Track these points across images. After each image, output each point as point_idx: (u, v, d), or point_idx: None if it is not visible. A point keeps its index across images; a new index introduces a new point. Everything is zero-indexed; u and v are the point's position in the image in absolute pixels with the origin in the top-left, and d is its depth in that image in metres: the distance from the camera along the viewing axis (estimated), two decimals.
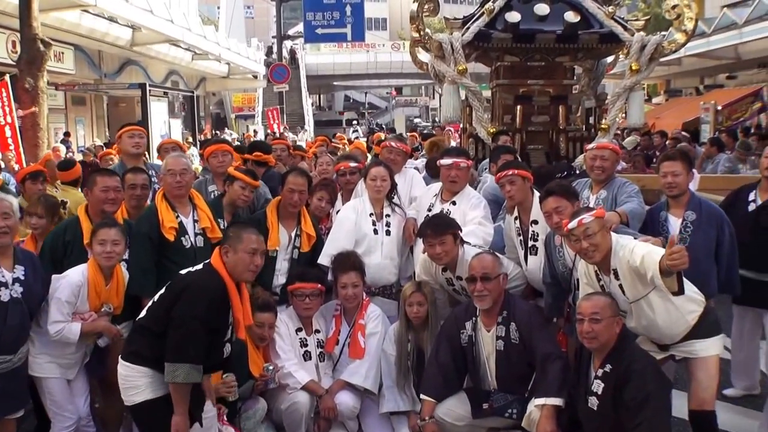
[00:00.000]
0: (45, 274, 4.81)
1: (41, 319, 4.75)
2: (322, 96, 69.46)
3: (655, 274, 3.91)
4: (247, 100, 39.58)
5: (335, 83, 61.33)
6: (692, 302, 4.32)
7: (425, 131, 23.18)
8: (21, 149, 11.70)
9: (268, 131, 28.21)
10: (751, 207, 5.74)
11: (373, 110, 73.82)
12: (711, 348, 4.40)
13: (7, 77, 12.43)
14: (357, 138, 25.36)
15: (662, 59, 8.84)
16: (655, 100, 34.05)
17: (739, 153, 11.81)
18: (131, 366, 4.18)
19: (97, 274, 4.84)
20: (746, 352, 6.15)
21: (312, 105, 51.20)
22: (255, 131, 31.39)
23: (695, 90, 28.92)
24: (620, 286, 4.30)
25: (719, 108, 21.63)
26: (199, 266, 4.33)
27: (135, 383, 4.17)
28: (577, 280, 4.86)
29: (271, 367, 5.06)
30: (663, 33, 8.57)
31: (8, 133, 11.84)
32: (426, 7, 8.55)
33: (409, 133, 20.34)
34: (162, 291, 4.33)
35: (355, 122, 53.83)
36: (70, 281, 4.76)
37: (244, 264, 4.20)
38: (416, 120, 58.38)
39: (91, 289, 4.82)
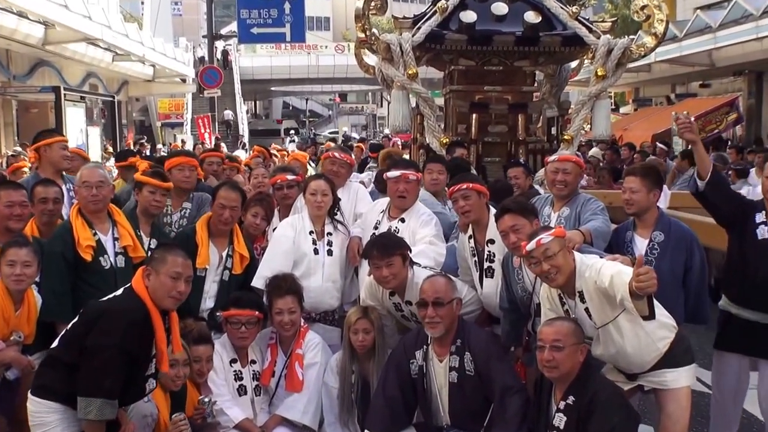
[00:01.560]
0: None
1: None
2: (258, 103, 69.24)
3: (624, 296, 3.89)
4: (175, 107, 39.36)
5: (273, 88, 60.96)
6: (664, 328, 4.36)
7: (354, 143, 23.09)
8: None
9: (198, 141, 27.99)
10: (762, 233, 5.22)
11: (315, 118, 73.73)
12: (683, 378, 4.42)
13: None
14: (294, 150, 25.36)
15: (630, 65, 8.96)
16: (622, 110, 34.57)
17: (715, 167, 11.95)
18: (41, 401, 4.10)
19: (5, 299, 4.76)
20: (731, 407, 5.51)
21: (247, 113, 50.94)
22: (183, 141, 31.17)
23: (666, 99, 29.45)
24: (586, 309, 4.30)
25: (692, 119, 21.98)
26: (119, 291, 4.27)
27: (45, 420, 4.08)
28: (538, 305, 4.88)
29: (206, 399, 4.95)
30: (632, 36, 8.69)
31: None
32: (373, 4, 8.47)
33: (356, 144, 20.33)
34: (76, 318, 4.27)
35: (292, 132, 53.62)
36: None
37: (165, 289, 4.11)
38: (349, 132, 57.96)
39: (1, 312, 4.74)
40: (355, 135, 51.41)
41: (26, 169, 9.53)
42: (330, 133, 55.00)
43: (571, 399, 4.10)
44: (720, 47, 20.87)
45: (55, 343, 4.33)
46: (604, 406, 4.01)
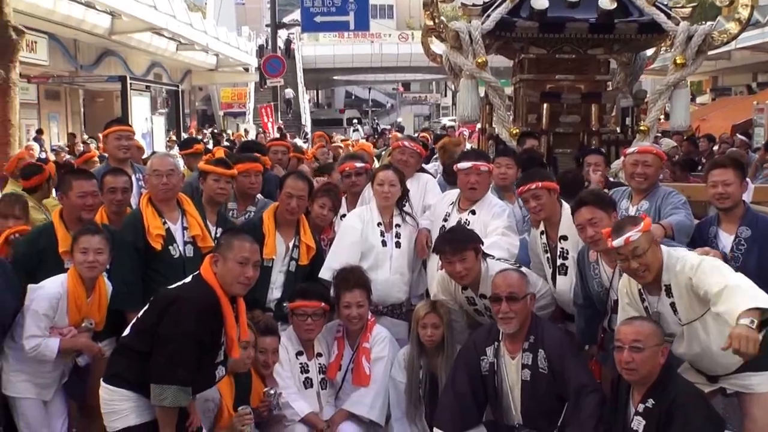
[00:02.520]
0: (18, 284, 4.79)
1: (16, 333, 4.74)
2: (320, 92, 69.53)
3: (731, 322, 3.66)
4: (238, 96, 39.62)
5: (335, 78, 61.14)
6: None
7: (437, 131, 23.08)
8: None
9: (261, 130, 28.14)
10: None
11: (378, 108, 73.70)
12: None
13: None
14: (358, 140, 25.36)
15: (712, 52, 8.74)
16: (699, 100, 33.71)
17: None
18: (114, 389, 4.14)
19: (77, 286, 4.82)
20: None
21: (309, 102, 51.14)
22: (246, 130, 31.35)
23: (747, 88, 28.84)
24: (672, 304, 4.18)
25: None
26: (188, 279, 4.30)
27: (118, 408, 4.13)
28: (615, 301, 4.79)
29: (272, 391, 4.95)
30: (711, 22, 8.46)
31: None
32: None
33: (420, 134, 20.23)
34: (147, 306, 4.30)
35: (356, 121, 53.60)
36: (48, 292, 4.75)
37: (233, 275, 4.13)
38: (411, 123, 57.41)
39: (71, 301, 4.80)
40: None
41: (96, 159, 9.67)
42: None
43: (650, 402, 4.00)
44: None
45: (126, 332, 4.36)
46: (686, 410, 3.90)
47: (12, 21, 12.17)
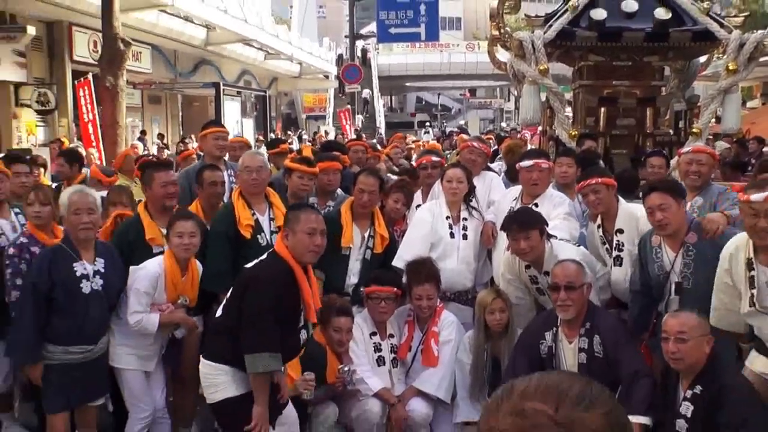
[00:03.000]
0: (122, 266, 4.94)
1: (121, 311, 4.87)
2: (393, 97, 69.54)
3: None
4: (318, 101, 39.92)
5: (407, 84, 60.98)
6: None
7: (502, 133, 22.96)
8: (101, 146, 12.05)
9: (340, 132, 28.33)
10: None
11: (446, 112, 73.48)
12: None
13: (90, 76, 12.77)
14: (428, 141, 25.37)
15: (762, 59, 8.55)
16: (749, 104, 32.85)
17: None
18: (211, 364, 4.23)
19: (173, 266, 4.95)
20: None
21: (384, 106, 51.21)
22: (326, 132, 31.61)
23: None
24: None
25: None
26: (264, 256, 4.36)
27: (216, 381, 4.22)
28: (676, 283, 4.71)
29: (346, 368, 5.01)
30: (763, 31, 8.25)
31: (91, 129, 12.22)
32: (507, 3, 8.43)
33: (486, 136, 20.18)
34: (233, 287, 4.36)
35: (427, 124, 53.68)
36: (148, 272, 4.86)
37: (303, 245, 4.16)
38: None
39: (168, 280, 4.93)
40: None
41: (194, 156, 9.83)
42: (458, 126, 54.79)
43: (698, 388, 3.88)
44: None
45: (218, 312, 4.42)
46: (735, 397, 3.78)
47: (120, 34, 12.42)
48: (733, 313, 4.16)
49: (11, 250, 5.16)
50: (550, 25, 8.37)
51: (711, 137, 8.37)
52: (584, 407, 1.21)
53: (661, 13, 8.15)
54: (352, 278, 5.77)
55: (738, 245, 4.10)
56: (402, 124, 52.53)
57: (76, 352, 4.61)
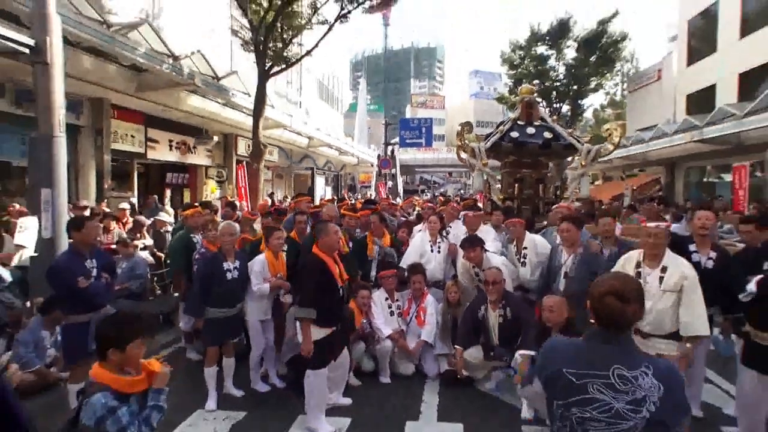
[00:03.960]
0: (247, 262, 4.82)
1: (248, 285, 4.73)
2: (407, 176, 69.56)
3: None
4: (368, 178, 39.98)
5: (416, 170, 61.22)
6: None
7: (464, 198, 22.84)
8: (248, 201, 12.19)
9: (377, 196, 28.35)
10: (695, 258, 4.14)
11: (436, 184, 73.20)
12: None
13: (243, 164, 12.97)
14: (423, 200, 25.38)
15: (600, 159, 8.47)
16: (596, 183, 32.58)
17: (645, 212, 11.02)
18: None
19: (271, 257, 4.86)
20: (752, 415, 3.64)
21: (402, 181, 51.28)
22: (370, 195, 31.67)
23: (620, 177, 27.53)
24: (661, 278, 3.60)
25: (634, 188, 20.62)
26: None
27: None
28: (563, 272, 4.65)
29: (364, 321, 4.94)
30: (600, 144, 8.19)
31: (243, 192, 12.35)
32: (465, 129, 8.48)
33: (454, 197, 20.14)
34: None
35: (424, 189, 54.07)
36: (260, 261, 4.80)
37: (330, 243, 4.03)
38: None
39: (270, 264, 4.83)
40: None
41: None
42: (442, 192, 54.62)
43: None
44: (650, 150, 19.60)
45: None
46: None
47: (261, 140, 12.58)
48: None
49: (197, 256, 5.20)
50: (488, 140, 8.37)
51: (575, 200, 8.23)
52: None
53: (547, 134, 8.13)
54: (373, 271, 5.72)
55: (631, 255, 3.82)
56: (411, 191, 52.59)
57: (224, 312, 4.53)
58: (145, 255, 7.37)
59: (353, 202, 19.94)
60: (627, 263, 3.77)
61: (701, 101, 20.85)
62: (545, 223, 7.45)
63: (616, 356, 1.81)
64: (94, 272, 4.05)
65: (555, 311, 3.80)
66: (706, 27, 20.82)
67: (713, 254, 4.18)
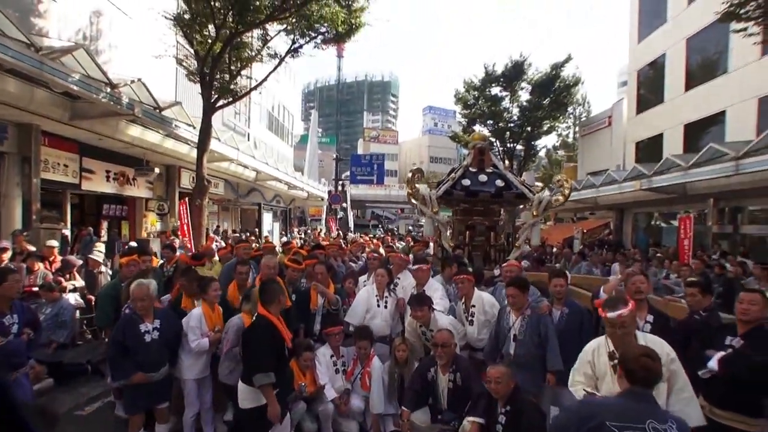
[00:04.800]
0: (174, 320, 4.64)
1: (184, 341, 4.63)
2: (358, 211, 69.69)
3: None
4: (318, 212, 39.89)
5: (367, 204, 61.50)
6: None
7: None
8: (191, 238, 11.95)
9: (328, 231, 28.25)
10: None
11: (387, 219, 73.71)
12: None
13: (186, 200, 12.76)
14: (377, 235, 25.34)
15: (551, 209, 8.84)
16: (548, 223, 33.79)
17: (594, 260, 11.51)
18: (243, 385, 4.11)
19: (208, 310, 4.78)
20: None
21: (353, 216, 51.33)
22: (320, 230, 31.51)
23: (571, 219, 28.76)
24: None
25: (585, 231, 21.52)
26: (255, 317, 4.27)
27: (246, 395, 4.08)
28: (514, 335, 4.71)
29: (303, 384, 4.84)
30: (549, 194, 8.56)
31: (185, 229, 12.11)
32: (416, 176, 8.68)
33: (406, 237, 20.34)
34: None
35: (376, 224, 54.20)
36: (195, 315, 4.72)
37: (278, 305, 4.10)
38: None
39: (207, 318, 4.74)
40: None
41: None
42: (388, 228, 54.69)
43: (508, 407, 3.88)
44: (600, 195, 20.52)
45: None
46: (530, 412, 3.79)
47: (205, 174, 12.41)
48: (581, 385, 3.50)
49: (126, 310, 4.91)
50: (440, 187, 8.59)
51: (526, 245, 8.51)
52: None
53: (499, 183, 8.43)
54: (317, 326, 5.63)
55: (599, 343, 3.48)
56: (363, 225, 52.64)
57: (147, 376, 4.29)
58: (75, 298, 7.06)
59: (301, 240, 19.84)
60: (596, 356, 3.45)
61: (649, 149, 22.23)
62: (497, 273, 7.67)
63: (650, 411, 2.32)
64: (15, 328, 3.87)
65: (501, 383, 3.85)
66: (655, 78, 22.40)
67: (650, 317, 4.24)
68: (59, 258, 7.91)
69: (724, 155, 13.14)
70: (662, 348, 3.24)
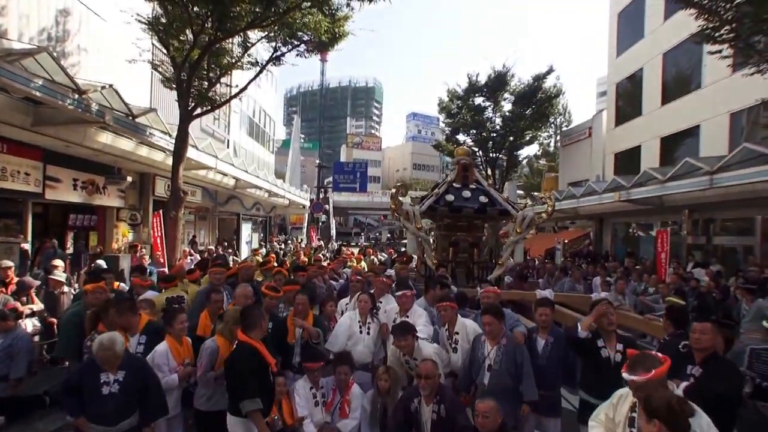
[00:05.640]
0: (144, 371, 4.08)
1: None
2: (341, 218, 69.46)
3: None
4: (299, 219, 39.50)
5: (349, 212, 61.27)
6: None
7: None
8: (165, 252, 11.51)
9: (309, 242, 27.87)
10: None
11: (370, 226, 73.55)
12: None
13: (160, 212, 12.30)
14: (359, 243, 24.98)
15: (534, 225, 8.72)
16: (530, 233, 33.83)
17: (576, 276, 11.36)
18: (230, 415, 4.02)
19: (174, 343, 4.51)
20: None
21: (335, 223, 51.11)
22: (302, 239, 31.07)
23: (553, 229, 28.82)
24: None
25: (566, 241, 21.55)
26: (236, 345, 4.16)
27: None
28: (488, 365, 4.55)
29: (276, 417, 4.47)
30: (531, 212, 8.43)
31: (158, 242, 11.66)
32: (400, 191, 8.48)
33: (387, 249, 20.11)
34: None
35: (359, 232, 53.98)
36: (161, 351, 4.43)
37: (260, 331, 4.07)
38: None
39: (174, 351, 4.49)
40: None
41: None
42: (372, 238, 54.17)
43: None
44: (581, 206, 20.64)
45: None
46: None
47: (181, 185, 11.99)
48: (600, 427, 3.39)
49: (88, 343, 4.54)
50: (423, 203, 8.39)
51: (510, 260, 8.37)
52: None
53: (483, 199, 8.29)
54: (296, 358, 5.31)
55: (627, 395, 3.27)
56: (345, 233, 52.36)
57: (101, 430, 3.70)
58: (32, 323, 6.61)
59: (281, 251, 19.41)
60: (621, 402, 3.29)
61: (628, 160, 22.41)
62: (480, 291, 7.49)
63: None
64: None
65: (489, 417, 3.64)
66: (633, 91, 22.63)
67: (620, 346, 4.37)
68: (15, 279, 7.30)
69: (698, 169, 13.29)
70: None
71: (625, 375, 3.05)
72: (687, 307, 6.58)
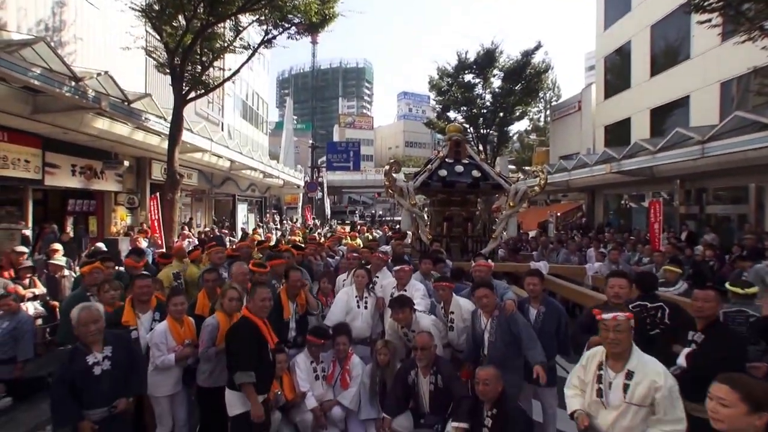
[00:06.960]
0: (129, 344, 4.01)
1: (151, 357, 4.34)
2: (335, 197, 69.29)
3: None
4: (293, 199, 39.36)
5: (343, 190, 61.02)
6: None
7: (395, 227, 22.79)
8: (162, 234, 11.47)
9: (304, 220, 27.81)
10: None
11: (365, 204, 73.38)
12: None
13: (157, 195, 12.21)
14: (354, 221, 24.85)
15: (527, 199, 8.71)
16: (523, 206, 33.87)
17: (571, 248, 11.43)
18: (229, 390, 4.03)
19: (173, 323, 4.50)
20: None
21: (330, 202, 50.95)
22: (296, 219, 31.03)
23: (545, 202, 28.87)
24: (626, 385, 3.02)
25: (558, 214, 21.61)
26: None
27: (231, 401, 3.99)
28: (486, 337, 4.57)
29: (279, 393, 4.54)
30: (524, 186, 8.40)
31: (156, 225, 11.62)
32: (393, 168, 8.40)
33: (383, 227, 20.10)
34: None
35: (353, 210, 53.83)
36: (159, 331, 4.44)
37: (258, 307, 4.10)
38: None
39: (173, 332, 4.47)
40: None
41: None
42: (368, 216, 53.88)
43: (494, 410, 3.69)
44: (573, 179, 20.64)
45: None
46: (515, 416, 3.64)
47: (177, 168, 11.91)
48: (576, 389, 3.35)
49: None
50: (417, 179, 8.36)
51: (503, 234, 8.40)
52: None
53: (476, 173, 8.26)
54: (292, 333, 5.31)
55: (597, 351, 3.25)
56: (340, 211, 52.26)
57: (99, 413, 3.52)
58: (34, 306, 6.61)
59: (276, 230, 19.36)
60: (590, 362, 3.26)
61: (618, 133, 22.36)
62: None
63: None
64: None
65: (489, 385, 3.68)
66: (621, 64, 22.46)
67: None
68: (26, 264, 7.25)
69: (689, 139, 13.24)
70: (650, 375, 2.97)
71: (605, 316, 3.08)
72: (683, 275, 6.62)
